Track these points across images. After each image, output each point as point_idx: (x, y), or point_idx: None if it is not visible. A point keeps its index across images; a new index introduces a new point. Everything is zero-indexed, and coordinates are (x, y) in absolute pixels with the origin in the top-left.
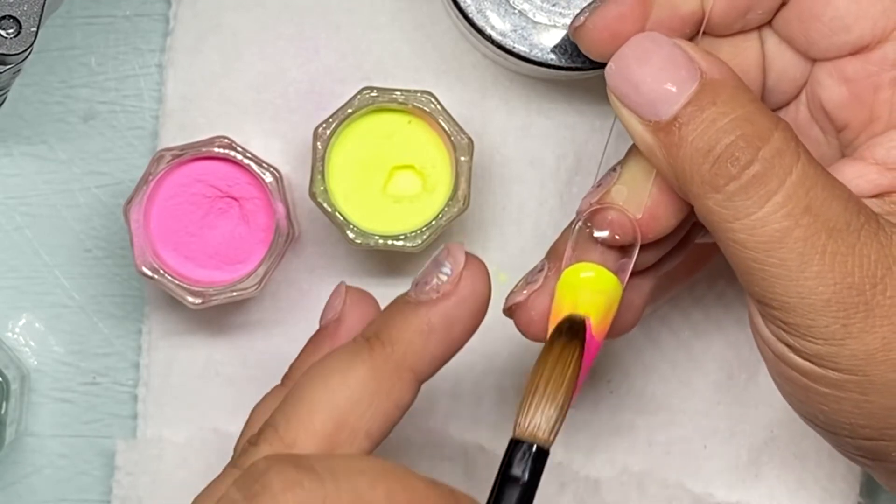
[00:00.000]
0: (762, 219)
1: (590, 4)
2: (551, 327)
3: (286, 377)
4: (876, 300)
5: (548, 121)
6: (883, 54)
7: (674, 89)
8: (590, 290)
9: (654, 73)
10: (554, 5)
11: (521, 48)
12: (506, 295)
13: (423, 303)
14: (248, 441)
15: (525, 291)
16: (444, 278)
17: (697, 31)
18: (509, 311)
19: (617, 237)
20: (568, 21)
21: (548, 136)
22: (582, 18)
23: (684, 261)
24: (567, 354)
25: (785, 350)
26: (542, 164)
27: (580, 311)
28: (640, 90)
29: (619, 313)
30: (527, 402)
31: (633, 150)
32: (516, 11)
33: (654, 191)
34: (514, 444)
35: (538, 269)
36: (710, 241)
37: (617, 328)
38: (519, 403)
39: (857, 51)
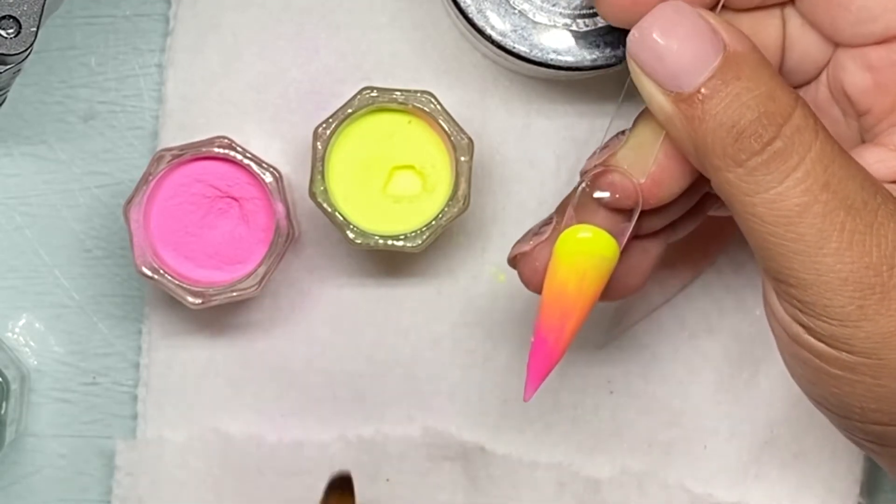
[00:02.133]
0: (782, 193)
1: None
2: (546, 284)
3: None
4: (893, 282)
5: (548, 121)
6: None
7: (698, 61)
8: (585, 251)
9: (679, 44)
10: (554, 5)
11: (521, 48)
12: (506, 295)
13: None
14: None
15: (531, 242)
16: None
17: (717, 2)
18: (514, 260)
19: (618, 198)
20: (568, 21)
21: (548, 136)
22: None
23: (698, 247)
24: None
25: (799, 331)
26: (542, 164)
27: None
28: (664, 61)
29: (624, 275)
30: None
31: (643, 117)
32: (516, 11)
33: (660, 157)
34: None
35: (546, 222)
36: (724, 213)
37: (622, 290)
38: None
39: (883, 41)
